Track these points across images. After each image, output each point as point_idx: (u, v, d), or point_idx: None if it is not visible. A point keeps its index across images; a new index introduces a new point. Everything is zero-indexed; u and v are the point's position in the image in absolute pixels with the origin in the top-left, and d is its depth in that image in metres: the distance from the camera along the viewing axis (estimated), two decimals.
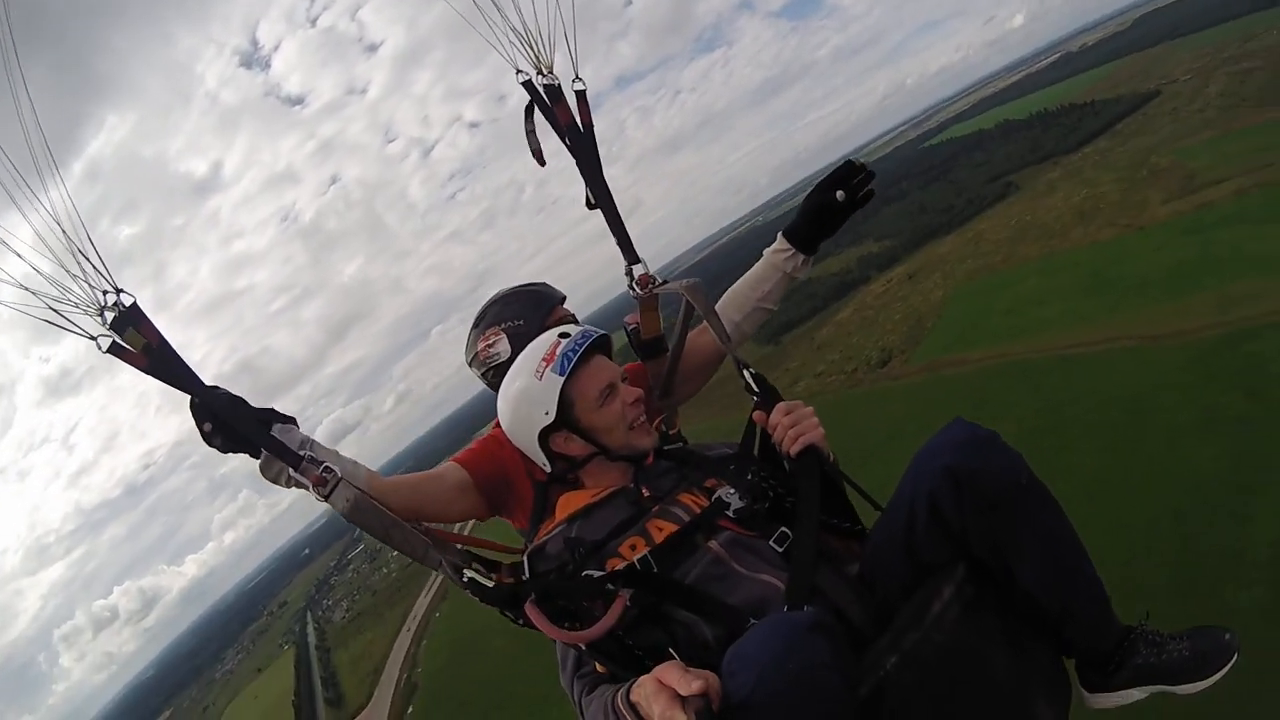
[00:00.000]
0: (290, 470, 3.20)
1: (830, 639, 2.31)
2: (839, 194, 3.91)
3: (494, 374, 4.21)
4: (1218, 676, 2.87)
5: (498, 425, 4.13)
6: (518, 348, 3.97)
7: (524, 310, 4.29)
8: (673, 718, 2.17)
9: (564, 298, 4.47)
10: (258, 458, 3.23)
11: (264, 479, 3.31)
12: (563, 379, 3.34)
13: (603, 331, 3.56)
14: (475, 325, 4.39)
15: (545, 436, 3.44)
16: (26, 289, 3.03)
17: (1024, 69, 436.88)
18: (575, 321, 4.33)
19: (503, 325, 4.25)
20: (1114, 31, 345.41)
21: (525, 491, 4.05)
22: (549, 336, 3.50)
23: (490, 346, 4.23)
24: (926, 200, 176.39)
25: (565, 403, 3.38)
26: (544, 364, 3.37)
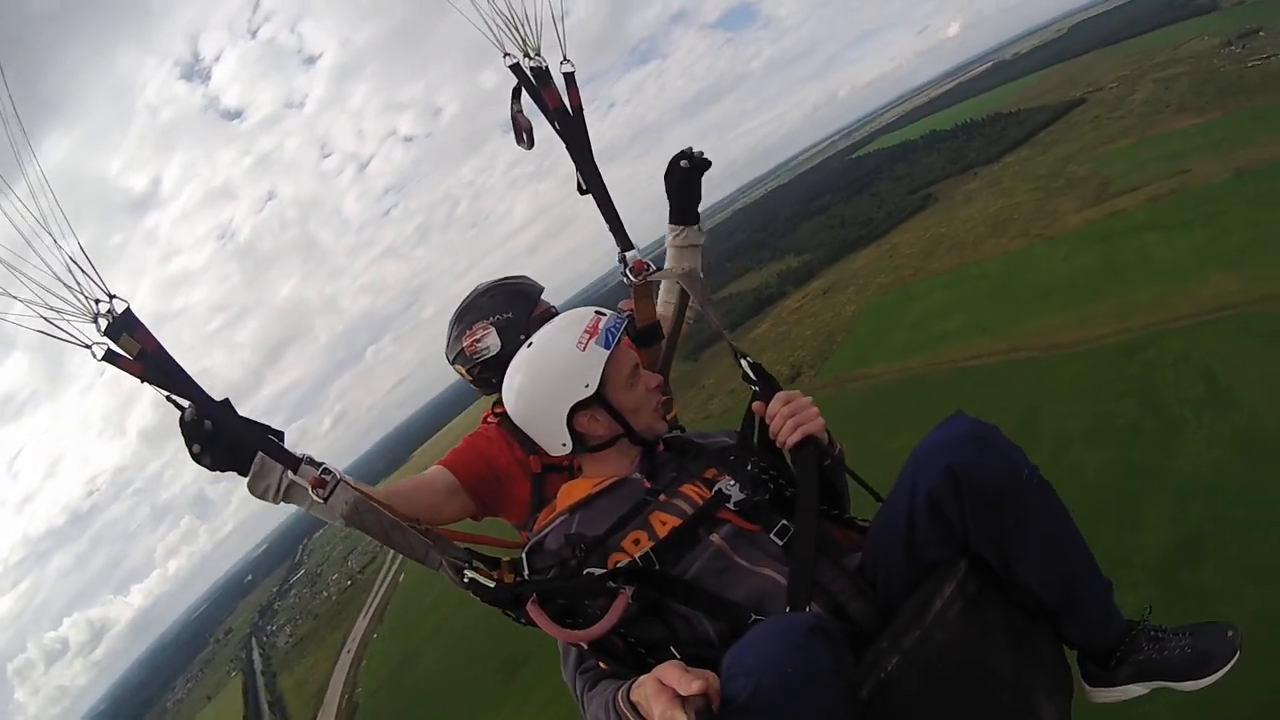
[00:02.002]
0: (288, 473, 3.29)
1: (830, 642, 2.38)
2: (682, 163, 4.45)
3: (481, 369, 4.42)
4: (1220, 674, 2.96)
5: (485, 422, 4.48)
6: (507, 341, 4.28)
7: (509, 303, 4.45)
8: (673, 718, 2.24)
9: (543, 290, 4.68)
10: (245, 475, 3.29)
11: (252, 495, 3.36)
12: (608, 352, 3.40)
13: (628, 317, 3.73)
14: (458, 320, 4.52)
15: (573, 412, 3.46)
16: (18, 299, 3.09)
17: (956, 78, 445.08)
18: (557, 313, 4.45)
19: (491, 319, 4.39)
20: (1049, 39, 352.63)
21: (516, 487, 4.27)
22: (585, 312, 3.56)
23: (478, 341, 4.37)
24: (847, 214, 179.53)
25: (601, 379, 3.42)
26: (588, 336, 3.42)
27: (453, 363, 4.57)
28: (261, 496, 3.34)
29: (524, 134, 4.39)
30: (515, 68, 4.21)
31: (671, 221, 4.64)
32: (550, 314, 4.43)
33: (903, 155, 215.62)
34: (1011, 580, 2.89)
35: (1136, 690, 3.10)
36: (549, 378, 3.44)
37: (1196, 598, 40.16)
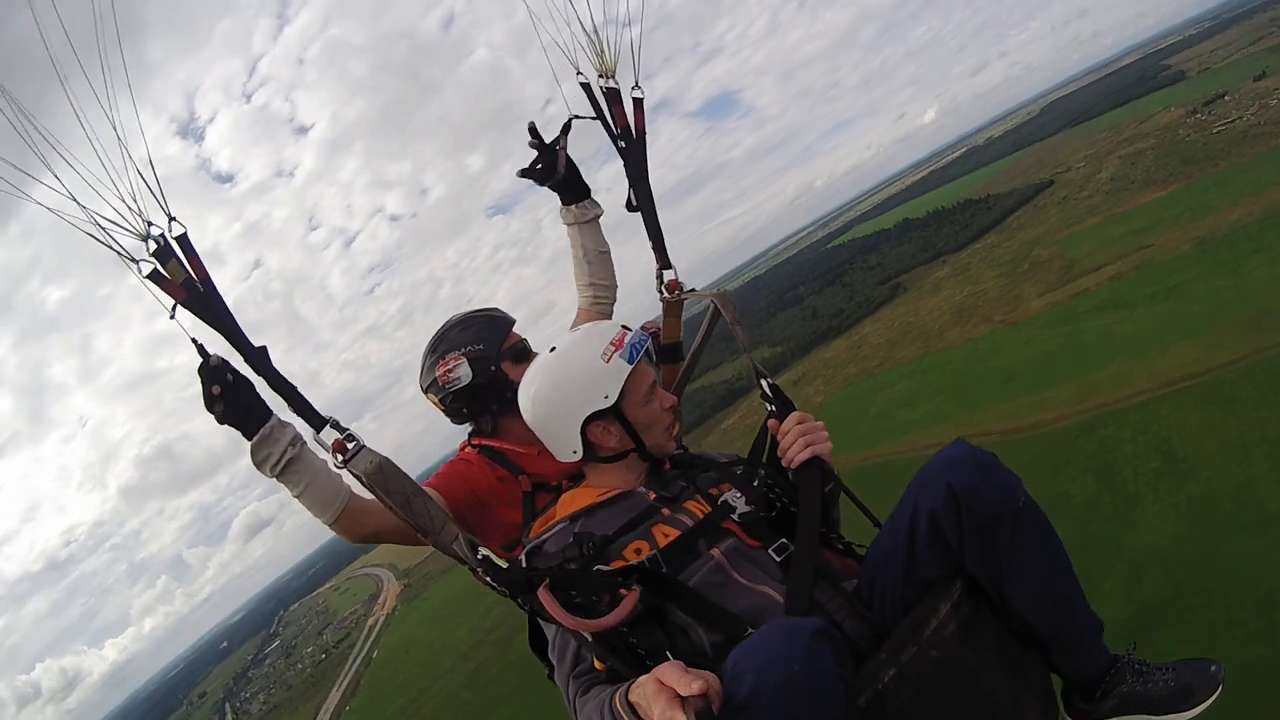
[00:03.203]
0: (293, 448, 3.48)
1: (834, 646, 2.43)
2: (537, 166, 4.71)
3: (453, 399, 4.55)
4: (1202, 708, 3.00)
5: (464, 447, 4.64)
6: (479, 372, 4.45)
7: (481, 335, 4.57)
8: (673, 718, 2.26)
9: (515, 321, 4.75)
10: (253, 436, 3.44)
11: (252, 461, 3.49)
12: (631, 366, 3.46)
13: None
14: (431, 351, 4.62)
15: (588, 421, 3.51)
16: (78, 202, 3.15)
17: (930, 165, 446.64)
18: (529, 347, 4.67)
19: (463, 350, 4.50)
20: (1021, 122, 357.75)
21: (499, 510, 4.39)
22: (611, 325, 3.64)
23: (450, 371, 4.49)
24: (819, 305, 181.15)
25: (620, 392, 3.47)
26: (613, 348, 3.46)
27: (426, 392, 4.69)
28: (260, 465, 3.52)
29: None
30: (586, 87, 4.50)
31: (565, 203, 4.88)
32: (522, 346, 4.66)
33: (875, 245, 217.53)
34: (1004, 603, 2.95)
35: None
36: (569, 385, 3.50)
37: None
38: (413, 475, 3.62)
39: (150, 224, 3.21)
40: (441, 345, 4.59)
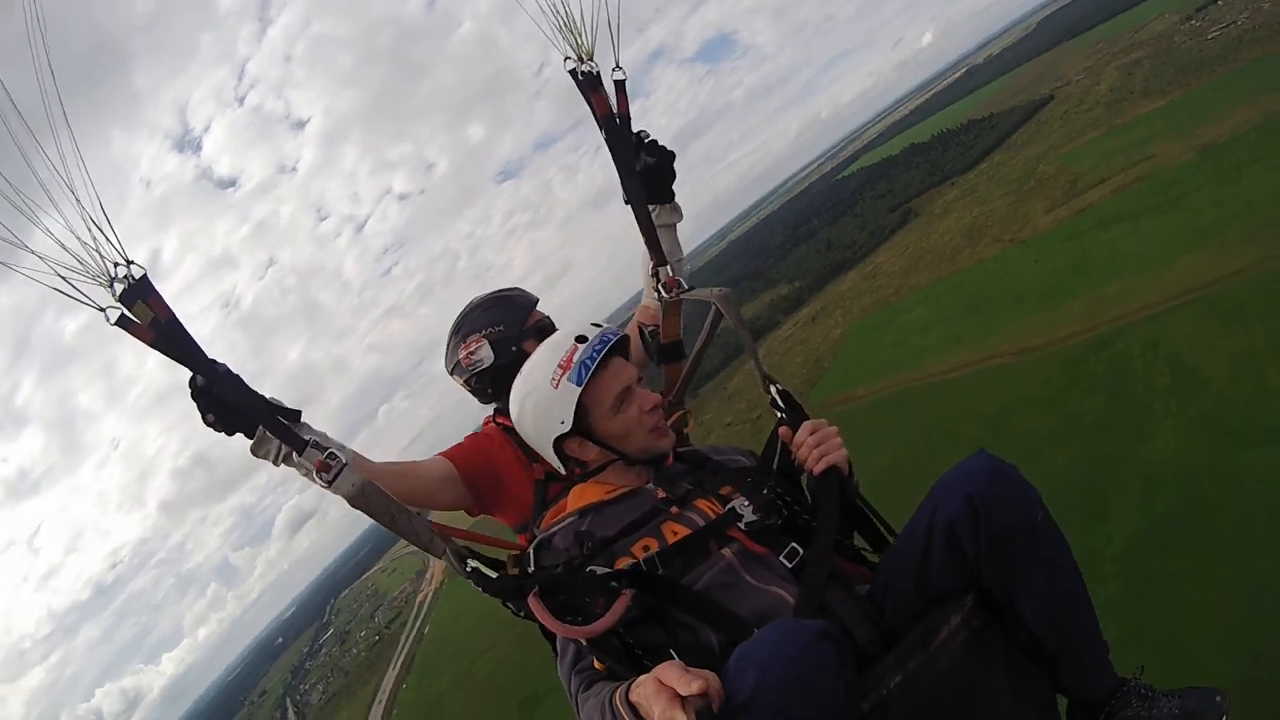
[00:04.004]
0: (294, 454, 3.36)
1: (837, 647, 2.41)
2: (647, 159, 4.41)
3: (477, 380, 4.63)
4: None
5: (488, 422, 4.67)
6: (500, 353, 4.50)
7: (503, 315, 4.63)
8: (673, 718, 2.23)
9: (537, 300, 4.80)
10: (252, 437, 3.41)
11: (254, 457, 3.48)
12: (579, 389, 3.37)
13: (621, 334, 3.57)
14: (454, 333, 4.70)
15: (560, 442, 3.50)
16: (36, 254, 3.11)
17: (932, 88, 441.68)
18: (552, 325, 4.70)
19: (484, 332, 4.58)
20: (1018, 38, 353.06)
21: (515, 487, 4.40)
22: (564, 340, 3.49)
23: (472, 354, 4.56)
24: (833, 237, 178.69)
25: (581, 410, 3.41)
26: (560, 371, 3.39)
27: (451, 374, 4.75)
28: (264, 458, 3.49)
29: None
30: (574, 73, 4.25)
31: (649, 202, 4.64)
32: (544, 324, 4.71)
33: (884, 172, 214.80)
34: (1015, 615, 2.95)
35: None
36: (530, 412, 3.50)
37: (1167, 583, 40.77)
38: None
39: (116, 265, 3.18)
40: (464, 328, 4.68)
